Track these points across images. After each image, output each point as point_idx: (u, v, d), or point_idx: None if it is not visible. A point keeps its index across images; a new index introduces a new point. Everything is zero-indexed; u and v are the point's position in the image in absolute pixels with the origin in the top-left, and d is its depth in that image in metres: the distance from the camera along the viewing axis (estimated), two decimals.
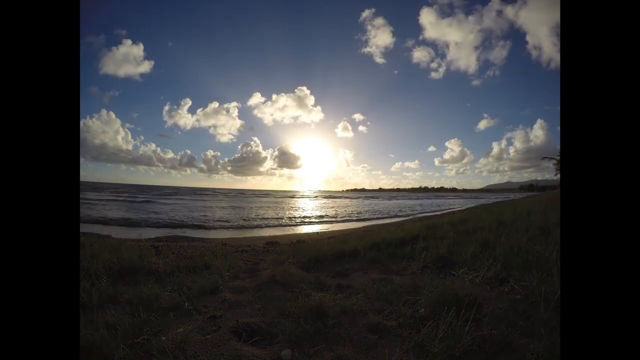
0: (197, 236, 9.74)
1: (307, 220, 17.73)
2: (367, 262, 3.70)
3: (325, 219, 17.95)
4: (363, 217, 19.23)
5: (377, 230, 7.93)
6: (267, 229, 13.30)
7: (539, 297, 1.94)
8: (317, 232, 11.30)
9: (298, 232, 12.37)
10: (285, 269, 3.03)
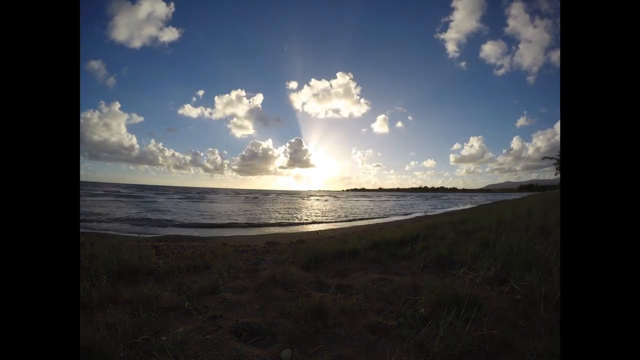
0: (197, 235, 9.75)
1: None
2: (367, 262, 3.70)
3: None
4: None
5: (377, 229, 7.93)
6: (265, 229, 13.31)
7: (539, 297, 1.94)
8: (317, 232, 11.30)
9: (297, 231, 12.37)
10: (285, 269, 3.03)
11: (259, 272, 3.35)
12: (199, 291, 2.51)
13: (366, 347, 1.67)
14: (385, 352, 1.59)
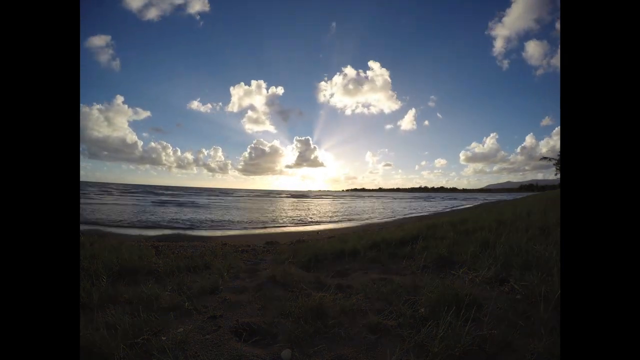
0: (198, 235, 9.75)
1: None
2: (367, 262, 3.70)
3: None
4: None
5: (377, 229, 7.94)
6: (265, 229, 13.33)
7: (539, 297, 1.94)
8: (317, 232, 11.31)
9: (297, 231, 12.38)
10: (285, 269, 3.03)
11: (259, 272, 3.35)
12: (199, 291, 2.51)
13: (366, 347, 1.67)
14: (385, 352, 1.59)
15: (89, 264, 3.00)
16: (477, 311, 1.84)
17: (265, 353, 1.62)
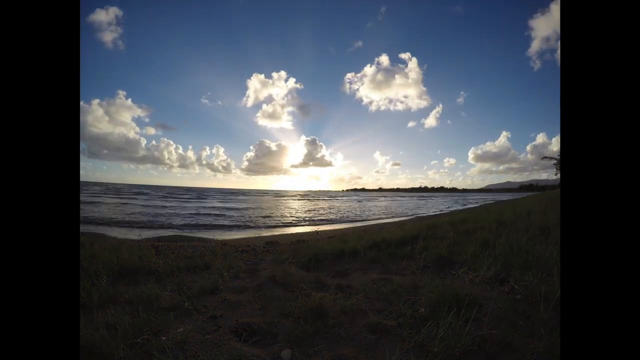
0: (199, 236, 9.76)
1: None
2: (367, 262, 3.70)
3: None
4: None
5: (377, 229, 7.94)
6: (266, 229, 13.35)
7: (539, 297, 1.94)
8: (317, 232, 11.31)
9: (297, 231, 12.39)
10: (285, 269, 3.03)
11: (259, 272, 3.35)
12: (199, 291, 2.51)
13: (366, 347, 1.66)
14: (385, 352, 1.59)
15: (89, 264, 3.00)
16: (477, 311, 1.84)
17: (265, 353, 1.62)
